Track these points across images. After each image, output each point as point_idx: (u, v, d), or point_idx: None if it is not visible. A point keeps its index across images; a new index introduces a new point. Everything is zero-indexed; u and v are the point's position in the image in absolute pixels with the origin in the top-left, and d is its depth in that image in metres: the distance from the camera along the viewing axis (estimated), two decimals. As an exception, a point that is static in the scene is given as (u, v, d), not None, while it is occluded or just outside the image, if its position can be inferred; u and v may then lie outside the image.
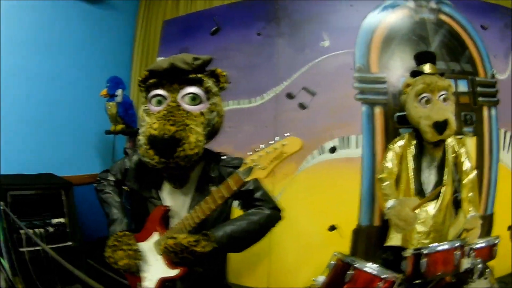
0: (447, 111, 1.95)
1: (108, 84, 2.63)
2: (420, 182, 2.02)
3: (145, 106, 1.28)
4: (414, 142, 2.05)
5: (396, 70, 2.40)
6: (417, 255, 1.67)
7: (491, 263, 1.95)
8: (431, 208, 2.00)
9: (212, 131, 1.30)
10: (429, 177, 2.04)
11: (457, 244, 1.69)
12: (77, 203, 2.33)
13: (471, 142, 2.56)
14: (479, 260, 1.74)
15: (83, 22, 2.79)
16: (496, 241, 1.92)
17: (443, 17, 2.56)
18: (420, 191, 2.01)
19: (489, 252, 1.89)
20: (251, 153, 1.12)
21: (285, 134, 1.10)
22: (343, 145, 2.36)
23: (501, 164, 2.67)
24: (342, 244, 2.45)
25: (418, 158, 2.04)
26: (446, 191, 2.03)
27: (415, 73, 2.08)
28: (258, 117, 2.40)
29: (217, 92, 1.31)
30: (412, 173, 2.03)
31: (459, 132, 2.52)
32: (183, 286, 1.29)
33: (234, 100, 2.44)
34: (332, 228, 2.43)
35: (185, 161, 1.18)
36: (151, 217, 1.30)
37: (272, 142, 1.10)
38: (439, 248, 1.69)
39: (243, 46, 2.49)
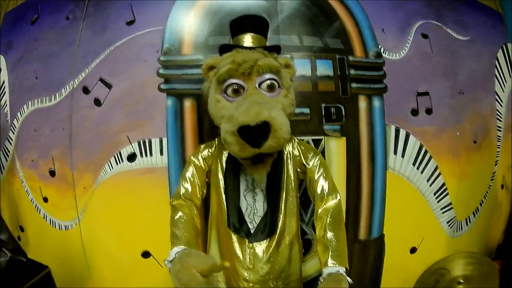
0: (271, 108, 1.21)
1: None
2: (238, 211, 1.38)
3: None
4: (227, 151, 1.38)
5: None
6: None
7: None
8: (260, 250, 1.37)
9: None
10: (254, 204, 1.39)
11: None
12: None
13: (336, 146, 1.87)
14: None
15: None
16: None
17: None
18: (238, 225, 1.37)
19: None
20: None
21: None
22: (143, 151, 1.83)
23: (391, 172, 1.93)
24: (163, 273, 1.95)
25: (233, 176, 1.39)
26: (287, 223, 1.40)
27: (225, 49, 1.43)
28: (57, 117, 1.95)
29: None
30: (225, 197, 1.39)
31: (317, 131, 1.86)
32: None
33: (37, 98, 2.04)
34: (147, 254, 1.94)
35: None
36: None
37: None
38: None
39: (51, 33, 2.05)
